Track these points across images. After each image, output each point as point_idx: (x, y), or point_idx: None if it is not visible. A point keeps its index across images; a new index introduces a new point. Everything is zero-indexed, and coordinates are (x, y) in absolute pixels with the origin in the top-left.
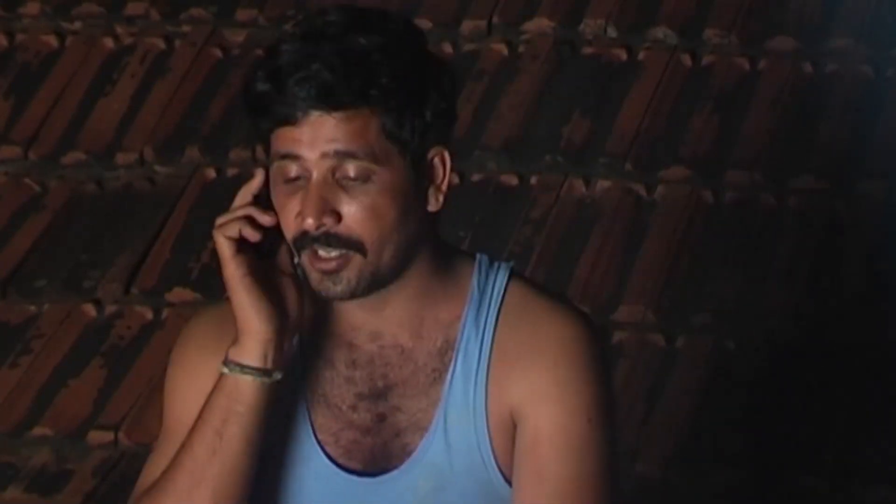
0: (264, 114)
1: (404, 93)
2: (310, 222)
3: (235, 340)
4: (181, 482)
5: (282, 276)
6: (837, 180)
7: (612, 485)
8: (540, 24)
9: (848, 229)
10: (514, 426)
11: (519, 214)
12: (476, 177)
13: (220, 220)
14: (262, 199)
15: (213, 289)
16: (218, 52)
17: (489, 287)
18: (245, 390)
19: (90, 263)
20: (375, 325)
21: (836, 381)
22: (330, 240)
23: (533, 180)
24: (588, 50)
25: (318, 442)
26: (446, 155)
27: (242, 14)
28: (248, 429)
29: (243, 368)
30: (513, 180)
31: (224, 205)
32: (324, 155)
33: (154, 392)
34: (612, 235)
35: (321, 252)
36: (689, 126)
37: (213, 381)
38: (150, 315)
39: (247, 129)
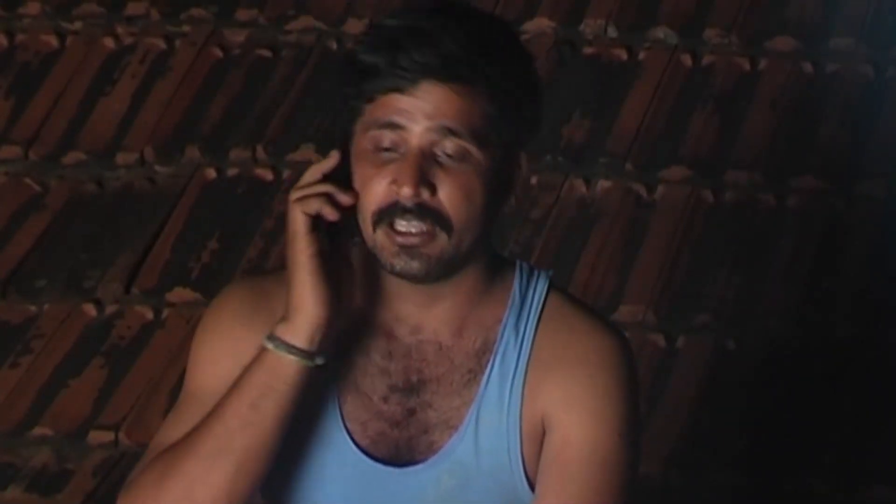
0: (373, 79)
1: (514, 83)
2: (407, 191)
3: (285, 317)
4: (208, 447)
5: (344, 262)
6: (837, 180)
7: (631, 497)
8: (540, 24)
9: (848, 229)
10: (543, 431)
11: (519, 214)
12: None
13: (296, 194)
14: (333, 180)
15: (212, 289)
16: (218, 52)
17: (530, 293)
18: (287, 369)
19: (90, 263)
20: (419, 319)
21: (836, 381)
22: (423, 212)
23: (533, 180)
24: (588, 50)
25: (347, 429)
26: (525, 161)
27: (242, 14)
28: (283, 407)
29: (290, 348)
30: None
31: (224, 205)
32: (429, 128)
33: (154, 392)
34: (612, 235)
35: (403, 225)
36: (689, 126)
37: (244, 351)
38: (150, 315)
39: (340, 97)
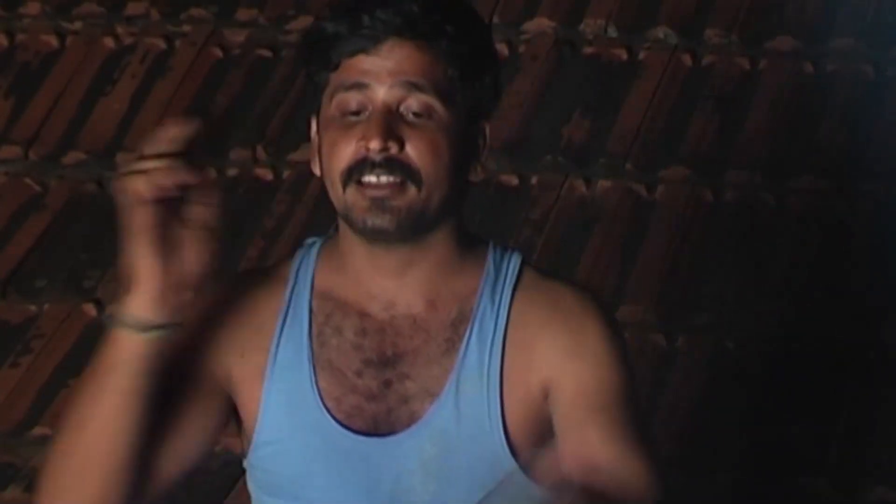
0: (336, 45)
1: (473, 43)
2: (375, 144)
3: (126, 291)
4: (66, 425)
5: (187, 227)
6: (837, 180)
7: (650, 431)
8: (540, 24)
9: (848, 229)
10: (542, 394)
11: (519, 214)
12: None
13: (131, 167)
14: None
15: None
16: (218, 52)
17: (504, 265)
18: (127, 344)
19: (90, 263)
20: (392, 293)
21: (836, 381)
22: (391, 164)
23: (533, 180)
24: (588, 50)
25: (325, 406)
26: (488, 130)
27: (242, 14)
28: (132, 380)
29: (121, 322)
30: (513, 180)
31: (224, 205)
32: (394, 84)
33: None
34: (612, 235)
35: (373, 179)
36: (689, 126)
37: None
38: None
39: (306, 69)
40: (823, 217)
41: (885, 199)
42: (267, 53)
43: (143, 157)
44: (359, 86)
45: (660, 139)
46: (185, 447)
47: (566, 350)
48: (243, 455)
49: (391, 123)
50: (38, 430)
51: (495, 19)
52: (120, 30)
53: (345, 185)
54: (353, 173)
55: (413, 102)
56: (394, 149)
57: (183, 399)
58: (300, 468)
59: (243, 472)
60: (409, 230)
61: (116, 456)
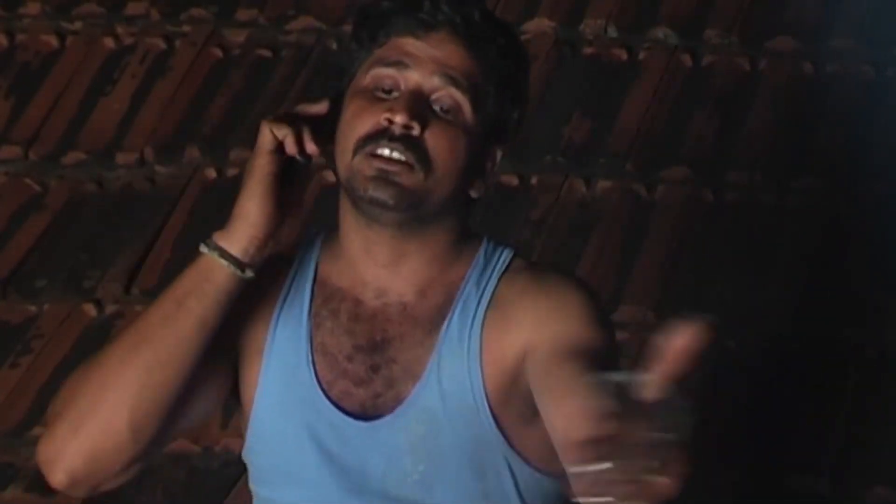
0: (388, 22)
1: (514, 69)
2: (401, 117)
3: (226, 225)
4: (127, 340)
5: (294, 187)
6: (837, 180)
7: None
8: (540, 24)
9: (848, 229)
10: (517, 366)
11: (519, 214)
12: None
13: (275, 115)
14: (315, 124)
15: None
16: (218, 52)
17: (495, 257)
18: (217, 273)
19: (90, 263)
20: (385, 282)
21: (836, 381)
22: (409, 143)
23: (533, 180)
24: (588, 50)
25: (320, 386)
26: (499, 157)
27: (242, 14)
28: (207, 308)
29: (222, 252)
30: (513, 180)
31: (224, 205)
32: (434, 71)
33: None
34: (612, 235)
35: (387, 151)
36: (689, 126)
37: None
38: None
39: (351, 38)
40: (823, 217)
41: (885, 199)
42: (267, 53)
43: (289, 114)
44: (399, 64)
45: (660, 139)
46: (191, 409)
47: (545, 312)
48: (244, 444)
49: (420, 106)
50: (38, 430)
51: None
52: (120, 30)
53: (356, 151)
54: (369, 142)
55: (445, 97)
56: (416, 129)
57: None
58: (294, 446)
59: (243, 472)
60: (406, 210)
61: (166, 388)
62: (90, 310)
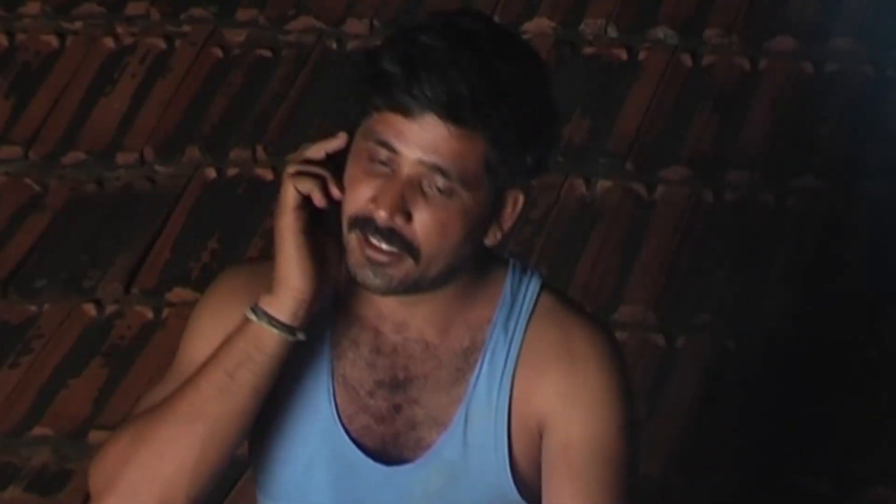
0: (381, 93)
1: (521, 132)
2: (382, 215)
3: (270, 290)
4: (180, 412)
5: (328, 239)
6: (837, 180)
7: (636, 490)
8: (540, 24)
9: (848, 229)
10: (538, 432)
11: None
12: None
13: (293, 168)
14: (333, 162)
15: None
16: (218, 52)
17: (521, 292)
18: (267, 341)
19: (90, 263)
20: (403, 316)
21: (836, 382)
22: (392, 236)
23: (533, 180)
24: (588, 50)
25: (340, 420)
26: (521, 199)
27: (242, 14)
28: (259, 377)
29: (271, 320)
30: None
31: (224, 205)
32: (422, 160)
33: None
34: (612, 235)
35: (374, 241)
36: (689, 126)
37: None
38: (150, 315)
39: (349, 89)
40: (823, 217)
41: (885, 199)
42: (267, 53)
43: (306, 161)
44: (389, 147)
45: (660, 139)
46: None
47: (563, 395)
48: (249, 456)
49: (407, 194)
50: (38, 430)
51: (495, 19)
52: (120, 30)
53: (350, 227)
54: (359, 225)
55: (437, 180)
56: (399, 222)
57: None
58: (305, 474)
59: (242, 473)
60: (402, 293)
61: (223, 457)
62: (90, 310)
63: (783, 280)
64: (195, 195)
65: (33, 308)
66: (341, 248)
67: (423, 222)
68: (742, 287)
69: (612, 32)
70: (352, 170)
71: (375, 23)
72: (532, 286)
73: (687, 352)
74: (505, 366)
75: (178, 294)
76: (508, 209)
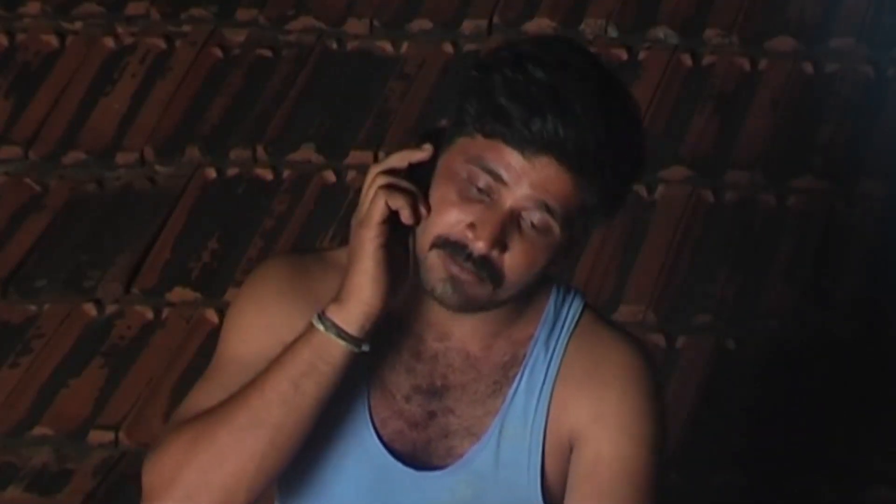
0: (498, 123)
1: (624, 181)
2: (481, 246)
3: (339, 300)
4: (242, 418)
5: (403, 254)
6: (837, 180)
7: None
8: (540, 24)
9: (848, 229)
10: (570, 447)
11: None
12: None
13: (385, 180)
14: (416, 173)
15: (213, 289)
16: (218, 52)
17: (564, 312)
18: (334, 351)
19: (90, 263)
20: (448, 327)
21: (836, 381)
22: (482, 264)
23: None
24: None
25: (371, 422)
26: (593, 231)
27: (242, 14)
28: (323, 388)
29: (340, 331)
30: None
31: (224, 205)
32: (529, 196)
33: (154, 392)
34: (612, 235)
35: (462, 264)
36: (689, 126)
37: (281, 326)
38: (150, 315)
39: (455, 109)
40: (823, 217)
41: (885, 199)
42: (267, 53)
43: (391, 171)
44: (498, 177)
45: (660, 139)
46: None
47: (595, 414)
48: None
49: (506, 228)
50: (38, 430)
51: (495, 19)
52: (120, 30)
53: (433, 245)
54: (448, 247)
55: (537, 217)
56: (494, 253)
57: None
58: (333, 480)
59: None
60: (472, 311)
61: (283, 462)
62: (90, 310)
63: (783, 280)
64: (195, 195)
65: (33, 308)
66: (412, 263)
67: (515, 257)
68: (742, 287)
69: (612, 32)
70: (443, 189)
71: (375, 23)
72: (575, 305)
73: (687, 352)
74: (544, 382)
75: (178, 294)
76: (582, 242)
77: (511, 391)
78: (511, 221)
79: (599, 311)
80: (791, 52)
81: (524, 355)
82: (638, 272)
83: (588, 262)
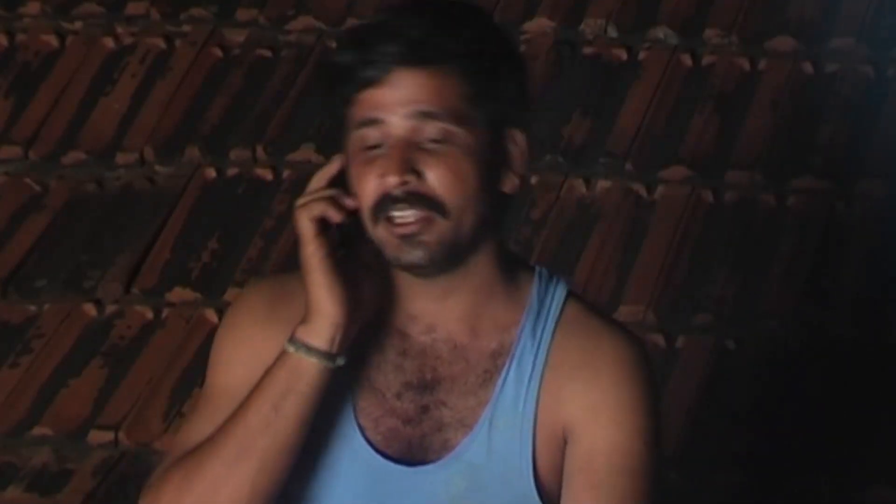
0: (347, 79)
1: (488, 60)
2: (392, 180)
3: (304, 320)
4: (229, 449)
5: (359, 265)
6: (837, 180)
7: (656, 502)
8: (540, 24)
9: (848, 229)
10: (564, 440)
11: (519, 214)
12: None
13: (301, 200)
14: (338, 186)
15: (213, 289)
16: (218, 52)
17: (548, 298)
18: (308, 371)
19: (90, 263)
20: (433, 316)
21: (836, 381)
22: (412, 199)
23: (533, 180)
24: (588, 50)
25: (359, 426)
26: (522, 138)
27: (242, 14)
28: (304, 408)
29: (309, 350)
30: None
31: (224, 205)
32: (406, 115)
33: (154, 392)
34: (612, 235)
35: (400, 215)
36: (689, 126)
37: (263, 351)
38: (150, 315)
39: (327, 109)
40: (823, 217)
41: (885, 199)
42: (267, 53)
43: (312, 191)
44: (373, 121)
45: (660, 139)
46: None
47: (589, 407)
48: None
49: (408, 155)
50: (38, 430)
51: (495, 19)
52: (120, 30)
53: (375, 220)
54: (380, 209)
55: (429, 130)
56: (413, 182)
57: None
58: (326, 486)
59: None
60: (444, 261)
61: (275, 485)
62: (90, 310)
63: (783, 280)
64: (195, 195)
65: (33, 308)
66: (373, 274)
67: (435, 175)
68: (742, 287)
69: (612, 32)
70: (353, 172)
71: None
72: (558, 293)
73: (687, 352)
74: (532, 371)
75: (178, 294)
76: (513, 150)
77: (500, 380)
78: (412, 149)
79: (584, 298)
80: (791, 52)
81: (511, 343)
82: (638, 272)
83: (588, 262)
